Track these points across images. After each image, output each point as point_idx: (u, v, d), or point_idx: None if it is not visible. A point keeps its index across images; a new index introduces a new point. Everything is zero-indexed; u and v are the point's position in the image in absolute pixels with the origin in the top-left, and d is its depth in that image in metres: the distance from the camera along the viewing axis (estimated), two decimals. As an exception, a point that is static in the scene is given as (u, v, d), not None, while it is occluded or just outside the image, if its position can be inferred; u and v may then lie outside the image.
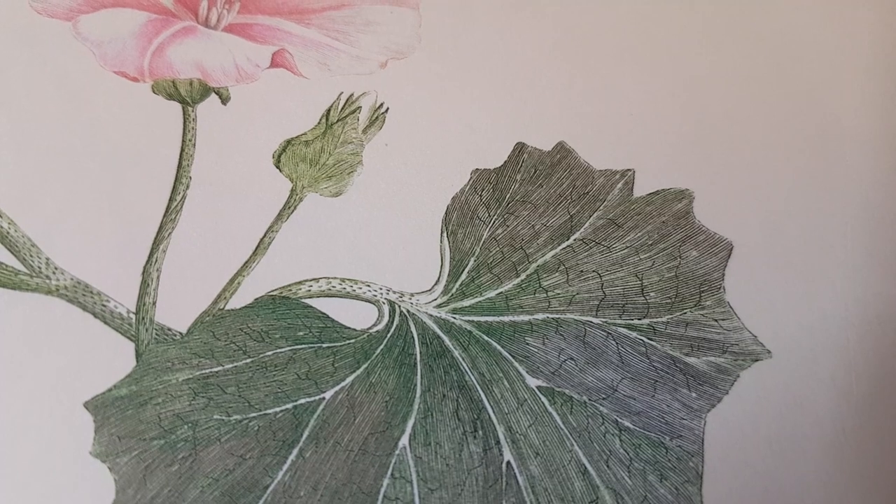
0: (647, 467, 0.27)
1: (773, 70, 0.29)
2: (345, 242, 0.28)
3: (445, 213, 0.29)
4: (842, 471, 0.27)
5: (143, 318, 0.27)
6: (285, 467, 0.27)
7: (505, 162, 0.29)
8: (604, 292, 0.28)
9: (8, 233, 0.28)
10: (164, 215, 0.28)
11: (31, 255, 0.27)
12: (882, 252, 0.28)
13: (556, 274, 0.28)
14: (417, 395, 0.27)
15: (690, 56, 0.29)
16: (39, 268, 0.27)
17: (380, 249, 0.28)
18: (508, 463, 0.27)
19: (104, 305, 0.27)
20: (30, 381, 0.27)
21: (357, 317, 0.28)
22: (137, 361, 0.27)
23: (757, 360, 0.28)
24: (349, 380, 0.27)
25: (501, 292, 0.28)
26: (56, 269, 0.27)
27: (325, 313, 0.28)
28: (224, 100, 0.29)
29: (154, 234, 0.28)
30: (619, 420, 0.27)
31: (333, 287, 0.28)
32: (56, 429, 0.27)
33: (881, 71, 0.29)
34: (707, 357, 0.28)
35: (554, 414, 0.27)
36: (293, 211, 0.28)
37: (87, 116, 0.28)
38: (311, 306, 0.28)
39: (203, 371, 0.27)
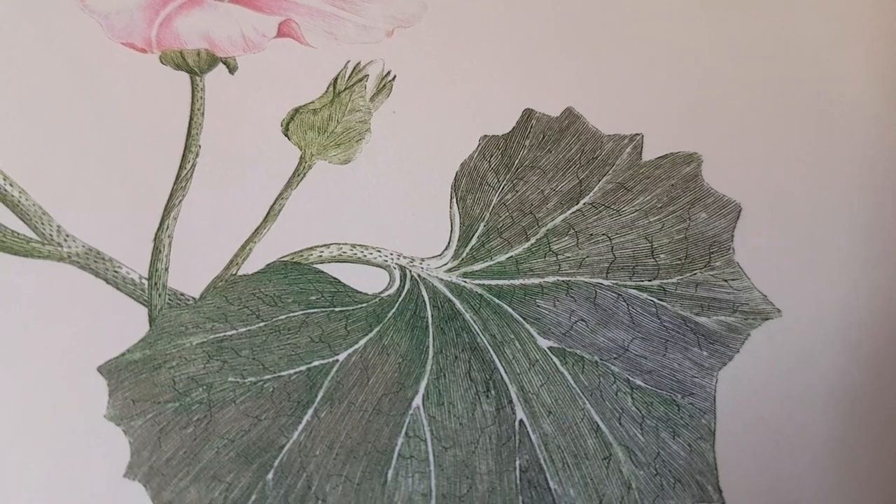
0: (659, 424, 0.37)
1: (779, 36, 0.40)
2: (354, 209, 0.39)
3: (454, 180, 0.39)
4: (851, 426, 0.37)
5: (155, 284, 0.37)
6: (300, 427, 0.36)
7: (513, 128, 0.39)
8: (614, 255, 0.39)
9: (19, 201, 0.38)
10: (175, 183, 0.38)
11: (42, 223, 0.38)
12: (888, 214, 0.39)
13: (566, 237, 0.39)
14: (430, 356, 0.38)
15: (697, 22, 0.40)
16: (51, 235, 0.38)
17: (389, 216, 0.39)
18: (521, 421, 0.37)
19: (116, 271, 0.37)
20: (43, 347, 0.37)
21: (368, 282, 0.38)
22: (151, 326, 0.37)
23: (767, 319, 0.38)
24: (362, 342, 0.38)
25: (512, 256, 0.39)
26: (68, 236, 0.38)
27: (336, 278, 0.38)
28: (231, 69, 0.40)
29: (165, 202, 0.38)
30: (631, 379, 0.38)
31: (344, 252, 0.38)
32: (70, 393, 0.36)
33: (885, 37, 0.40)
34: (717, 316, 0.38)
35: (566, 373, 0.38)
36: (302, 178, 0.39)
37: (96, 88, 0.39)
38: (322, 271, 0.38)
39: (217, 335, 0.37)
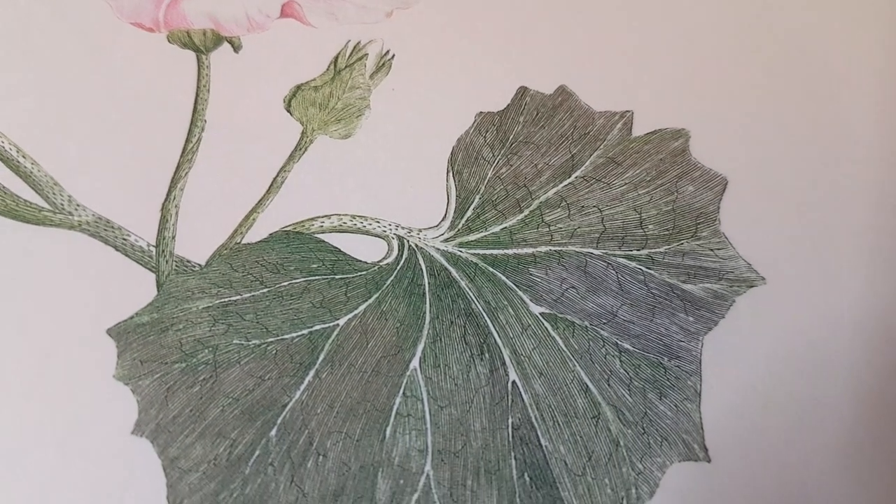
0: (646, 386, 0.47)
1: (767, 13, 0.50)
2: (354, 182, 0.48)
3: (451, 154, 0.49)
4: (835, 388, 0.47)
5: (163, 251, 0.47)
6: (302, 387, 0.46)
7: (508, 105, 0.49)
8: (604, 226, 0.48)
9: (31, 172, 0.47)
10: (181, 156, 0.48)
11: (53, 193, 0.47)
12: (872, 183, 0.49)
13: (559, 209, 0.49)
14: (427, 321, 0.47)
15: (687, 4, 0.50)
16: (62, 204, 0.47)
17: (388, 188, 0.48)
18: (514, 382, 0.46)
19: (125, 239, 0.47)
20: (53, 310, 0.46)
21: (368, 251, 0.48)
22: (158, 291, 0.47)
23: (752, 287, 0.48)
24: (361, 308, 0.47)
25: (506, 227, 0.48)
26: (78, 205, 0.47)
27: (336, 247, 0.48)
28: (236, 48, 0.50)
29: (172, 174, 0.48)
30: (619, 343, 0.47)
31: (344, 223, 0.48)
32: (79, 355, 0.46)
33: (872, 9, 0.50)
34: (703, 284, 0.48)
35: (557, 338, 0.47)
36: (304, 152, 0.49)
37: (106, 65, 0.48)
38: (323, 241, 0.48)
39: (222, 300, 0.47)
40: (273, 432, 0.42)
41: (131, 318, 0.43)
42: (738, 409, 0.43)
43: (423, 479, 0.42)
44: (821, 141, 0.45)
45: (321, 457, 0.42)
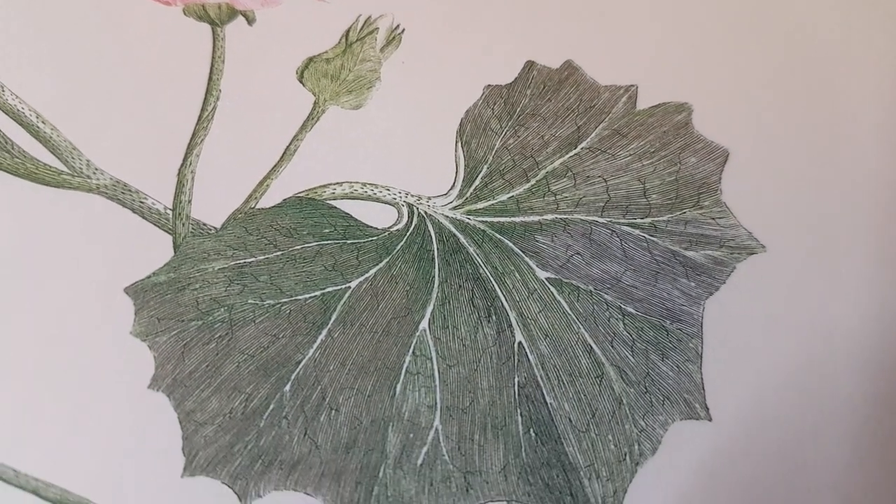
0: (649, 347, 0.58)
1: None
2: (365, 151, 0.60)
3: (459, 125, 0.61)
4: (831, 349, 0.58)
5: (179, 214, 0.59)
6: (315, 345, 0.57)
7: (515, 78, 0.61)
8: (609, 195, 0.60)
9: (51, 137, 0.59)
10: (197, 123, 0.60)
11: (72, 157, 0.59)
12: (870, 155, 0.61)
13: (564, 179, 0.60)
14: (435, 285, 0.59)
15: None
16: (80, 168, 0.59)
17: (398, 157, 0.60)
18: (520, 343, 0.58)
19: (142, 202, 0.59)
20: (72, 269, 0.57)
21: (378, 217, 0.60)
22: (175, 252, 0.58)
23: (752, 254, 0.59)
24: (372, 272, 0.59)
25: (513, 196, 0.60)
26: (96, 169, 0.59)
27: (348, 213, 0.60)
28: (250, 21, 0.61)
29: (188, 141, 0.60)
30: (623, 306, 0.59)
31: (355, 190, 0.60)
32: (97, 312, 0.57)
33: None
34: (705, 251, 0.60)
35: (562, 301, 0.59)
36: (316, 121, 0.60)
37: (124, 36, 0.60)
38: (335, 207, 0.60)
39: (237, 261, 0.58)
40: (287, 387, 0.53)
41: (149, 277, 0.54)
42: (738, 371, 0.54)
43: (433, 434, 0.53)
44: (820, 114, 0.57)
45: (334, 411, 0.53)
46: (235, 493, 0.51)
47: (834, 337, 0.53)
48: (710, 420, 0.53)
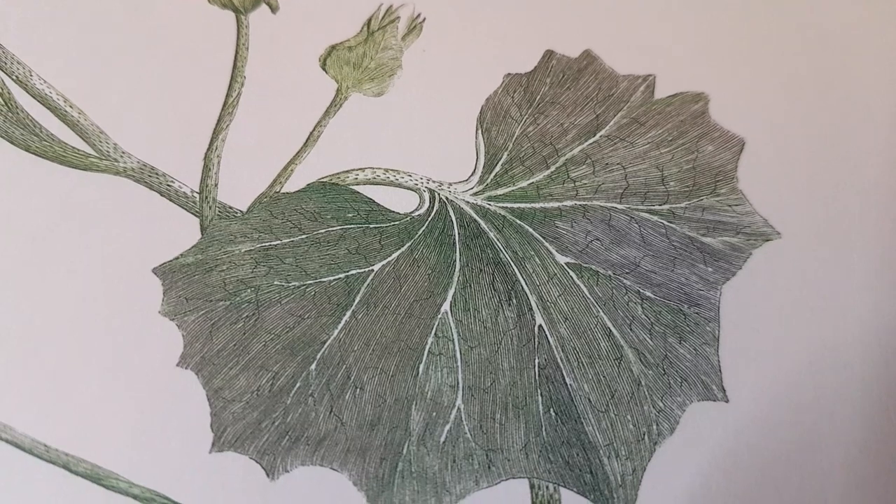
0: (667, 330, 0.72)
1: None
2: (387, 137, 0.73)
3: (480, 113, 0.74)
4: (844, 332, 0.71)
5: (206, 198, 0.72)
6: (340, 326, 0.70)
7: (535, 67, 0.74)
8: (627, 182, 0.74)
9: (78, 121, 0.72)
10: (222, 109, 0.73)
11: (100, 141, 0.72)
12: (883, 143, 0.75)
13: (584, 166, 0.74)
14: (457, 269, 0.72)
15: None
16: (108, 152, 0.72)
17: (419, 144, 0.73)
18: (540, 326, 0.71)
19: (169, 185, 0.72)
20: (100, 250, 0.70)
21: (400, 202, 0.73)
22: (202, 234, 0.72)
23: (768, 241, 0.73)
24: (395, 255, 0.72)
25: (532, 182, 0.74)
26: (123, 153, 0.72)
27: (371, 198, 0.73)
28: (273, 9, 0.75)
29: (213, 126, 0.73)
30: (641, 291, 0.72)
31: (378, 176, 0.73)
32: (126, 292, 0.69)
33: None
34: (722, 237, 0.73)
35: (581, 286, 0.72)
36: (339, 108, 0.74)
37: (151, 24, 0.72)
38: (358, 192, 0.73)
39: (263, 244, 0.71)
40: (313, 366, 0.66)
41: (176, 258, 0.67)
42: (754, 354, 0.68)
43: (455, 412, 0.66)
44: (835, 104, 0.70)
45: (358, 389, 0.66)
46: (263, 467, 0.63)
47: (847, 321, 0.66)
48: (727, 401, 0.65)
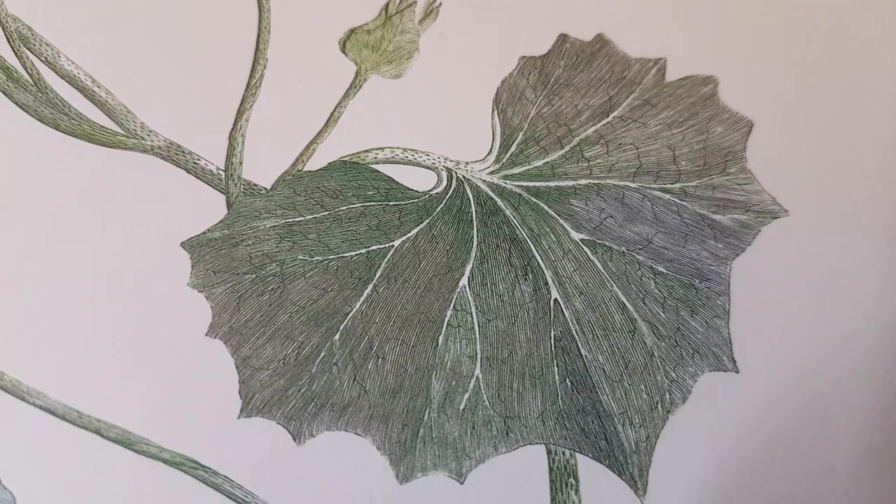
0: (679, 304, 0.94)
1: None
2: (405, 118, 0.93)
3: (496, 94, 0.94)
4: (850, 306, 0.90)
5: (231, 175, 0.94)
6: (362, 299, 0.91)
7: (549, 50, 0.96)
8: (640, 161, 0.96)
9: (106, 101, 0.94)
10: (246, 90, 0.94)
11: (127, 120, 0.93)
12: (887, 124, 0.99)
13: (597, 146, 0.96)
14: (474, 245, 0.94)
15: None
16: (135, 130, 0.94)
17: (436, 124, 0.91)
18: (556, 300, 0.93)
19: (195, 163, 0.94)
20: (128, 225, 0.86)
21: (418, 181, 0.96)
22: (228, 210, 0.94)
23: (776, 218, 0.94)
24: (414, 231, 0.94)
25: (547, 161, 0.96)
26: (150, 131, 0.94)
27: (390, 177, 0.97)
28: None
29: (237, 106, 0.97)
30: (654, 266, 0.94)
31: (396, 155, 0.96)
32: (154, 265, 0.89)
33: None
34: (732, 214, 0.95)
35: (595, 261, 0.94)
36: (359, 90, 0.95)
37: (175, 7, 0.96)
38: (377, 170, 0.96)
39: (287, 220, 0.92)
40: (336, 337, 0.83)
41: (204, 233, 0.83)
42: (763, 327, 0.88)
43: (473, 382, 0.85)
44: (839, 87, 0.88)
45: (380, 359, 0.85)
46: (290, 432, 0.80)
47: (852, 294, 0.83)
48: (738, 372, 0.83)
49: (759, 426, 0.85)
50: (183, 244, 0.84)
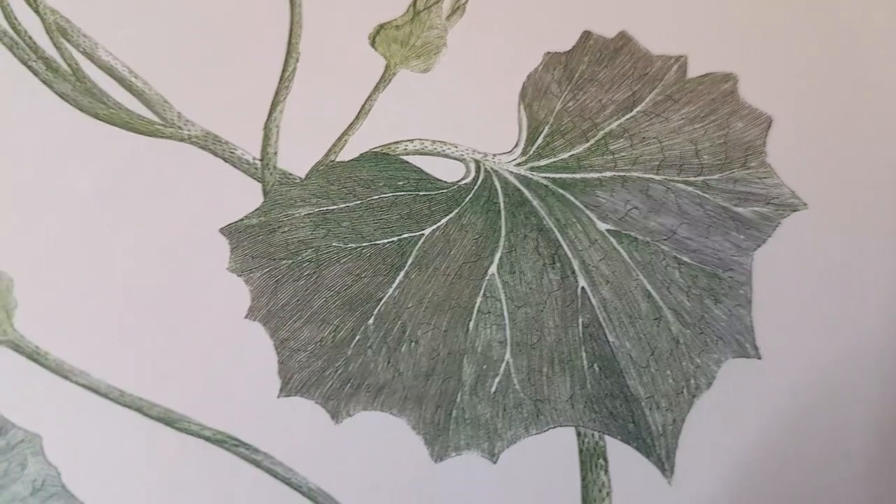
0: (703, 293, 1.07)
1: None
2: (433, 111, 1.03)
3: (522, 88, 1.07)
4: (867, 295, 1.03)
5: (267, 164, 1.08)
6: (394, 285, 1.03)
7: (573, 47, 1.11)
8: (663, 155, 1.08)
9: (143, 91, 1.06)
10: (279, 83, 1.06)
11: (164, 110, 1.05)
12: None
13: (622, 140, 1.09)
14: (502, 234, 1.07)
15: None
16: (172, 120, 1.07)
17: (463, 118, 1.02)
18: (583, 288, 1.05)
19: (232, 152, 1.06)
20: (167, 212, 0.98)
21: (446, 172, 1.11)
22: (265, 198, 1.08)
23: (795, 210, 1.06)
24: (444, 221, 1.07)
25: (573, 154, 1.09)
26: (187, 121, 1.08)
27: (419, 168, 1.11)
28: None
29: (272, 98, 1.11)
30: (679, 256, 1.07)
31: (426, 147, 1.09)
32: (193, 250, 1.01)
33: None
34: (753, 207, 1.08)
35: (621, 251, 1.07)
36: (388, 83, 1.08)
37: (208, 2, 1.12)
38: (407, 161, 1.11)
39: (321, 208, 1.04)
40: (370, 321, 0.93)
41: (242, 220, 0.93)
42: (785, 315, 1.05)
43: (504, 366, 0.95)
44: (857, 85, 1.05)
45: (413, 343, 0.96)
46: (328, 412, 0.91)
47: (869, 286, 0.93)
48: (760, 358, 0.94)
49: (782, 410, 0.97)
50: (222, 230, 0.94)
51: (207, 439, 0.94)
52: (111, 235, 0.95)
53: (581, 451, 0.97)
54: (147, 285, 0.95)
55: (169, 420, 0.94)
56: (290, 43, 0.98)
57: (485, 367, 0.95)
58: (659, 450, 0.95)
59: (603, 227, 0.98)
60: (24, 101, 0.95)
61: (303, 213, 0.95)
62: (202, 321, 0.95)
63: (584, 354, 0.96)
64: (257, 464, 0.94)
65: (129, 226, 0.95)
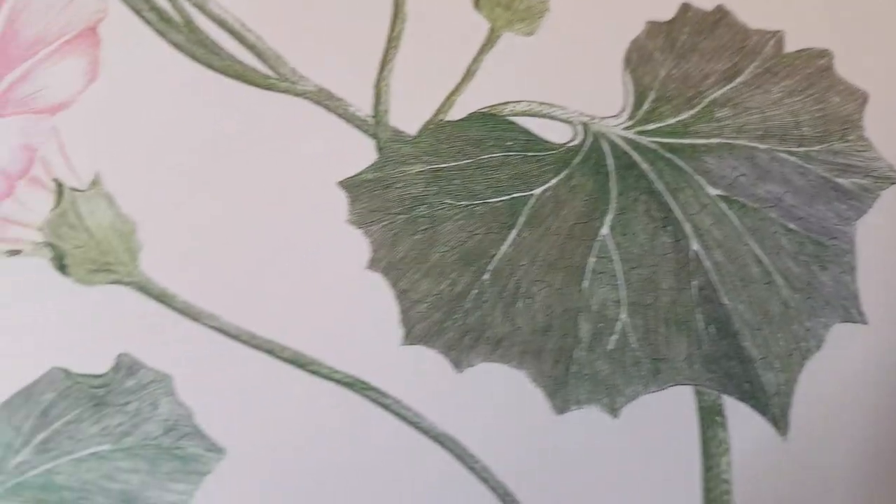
0: (810, 259, 1.12)
1: None
2: (538, 73, 1.09)
3: (626, 53, 1.12)
4: None
5: (379, 122, 1.14)
6: (507, 242, 1.04)
7: (673, 18, 1.20)
8: (766, 125, 1.12)
9: (255, 44, 1.12)
10: (387, 43, 1.15)
11: (278, 64, 1.11)
12: None
13: (726, 108, 1.12)
14: (613, 196, 1.13)
15: None
16: (286, 74, 1.10)
17: (569, 81, 1.13)
18: (696, 251, 1.14)
19: (346, 109, 1.06)
20: (285, 166, 1.03)
21: (553, 134, 1.18)
22: (378, 154, 1.14)
23: (894, 184, 1.21)
24: (553, 181, 1.11)
25: (680, 120, 1.13)
26: (301, 76, 1.14)
27: (527, 129, 1.18)
28: None
29: (381, 58, 1.18)
30: (785, 224, 1.10)
31: (532, 108, 1.13)
32: (311, 204, 1.08)
33: None
34: (852, 179, 1.15)
35: (732, 216, 1.14)
36: (493, 46, 1.15)
37: None
38: (514, 122, 1.17)
39: (432, 166, 1.08)
40: (486, 276, 0.96)
41: (358, 174, 0.96)
42: (887, 281, 1.15)
43: (620, 325, 0.99)
44: None
45: (529, 299, 0.97)
46: (450, 361, 0.97)
47: None
48: (866, 323, 1.02)
49: (886, 372, 1.07)
50: (340, 183, 1.01)
51: (338, 381, 1.01)
52: (232, 182, 1.00)
53: (700, 408, 1.04)
54: (272, 233, 1.01)
55: (300, 362, 1.00)
56: (395, 5, 1.04)
57: (601, 325, 1.01)
58: (774, 408, 1.02)
59: (713, 192, 1.04)
60: (140, 49, 1.01)
61: (415, 171, 1.01)
62: (327, 271, 1.02)
63: (699, 316, 1.02)
64: (387, 407, 1.01)
65: (250, 172, 1.01)
